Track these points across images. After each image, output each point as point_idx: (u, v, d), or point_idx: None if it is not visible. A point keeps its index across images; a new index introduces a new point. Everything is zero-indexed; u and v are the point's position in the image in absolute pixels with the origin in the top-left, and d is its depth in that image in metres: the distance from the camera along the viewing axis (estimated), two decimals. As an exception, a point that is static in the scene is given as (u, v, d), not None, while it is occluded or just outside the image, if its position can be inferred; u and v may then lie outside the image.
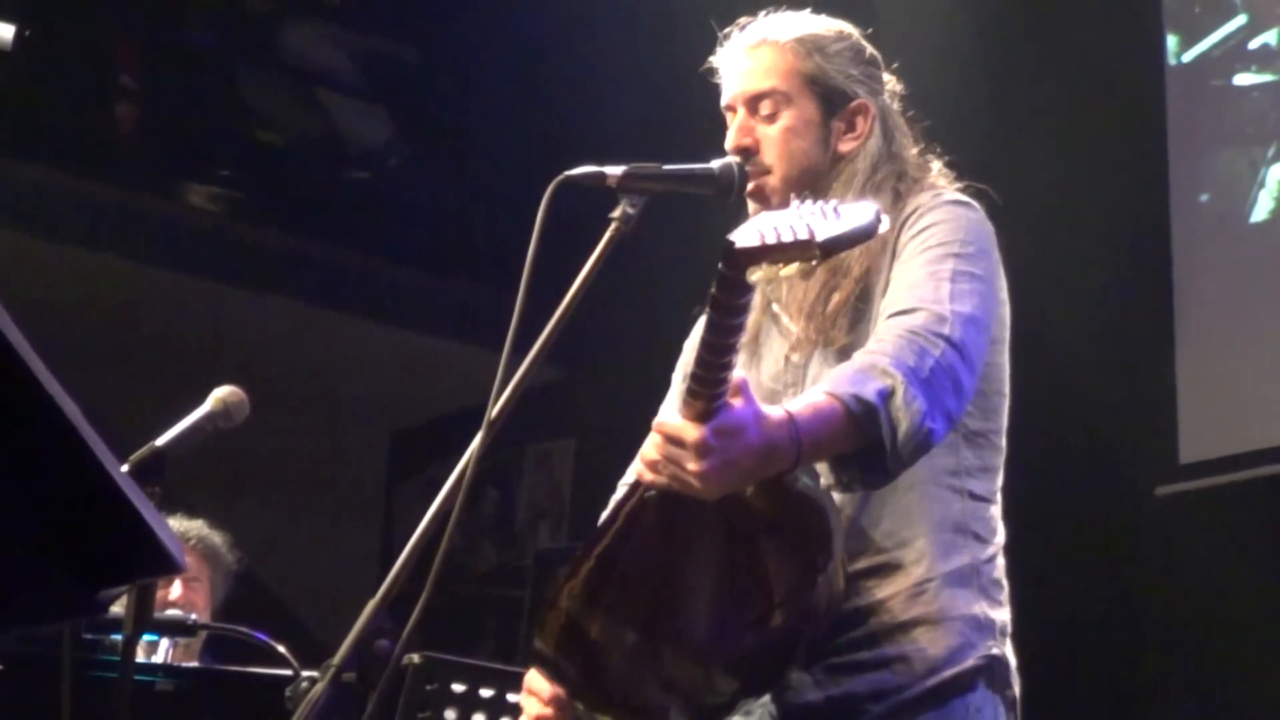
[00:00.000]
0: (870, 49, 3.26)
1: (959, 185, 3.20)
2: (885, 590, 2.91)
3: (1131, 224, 6.86)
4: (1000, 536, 3.07)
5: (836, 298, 3.00)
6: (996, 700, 2.93)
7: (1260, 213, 6.55)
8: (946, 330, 2.80)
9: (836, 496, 2.86)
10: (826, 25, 3.24)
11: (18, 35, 7.13)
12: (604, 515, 2.93)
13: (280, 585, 9.29)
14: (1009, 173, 6.74)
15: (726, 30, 3.27)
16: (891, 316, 2.86)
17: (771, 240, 2.37)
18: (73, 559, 1.85)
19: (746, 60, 3.20)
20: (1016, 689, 3.00)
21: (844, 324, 2.99)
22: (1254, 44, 6.68)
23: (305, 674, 2.71)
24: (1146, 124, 6.90)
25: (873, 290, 2.99)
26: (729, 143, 3.15)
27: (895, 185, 3.11)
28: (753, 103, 3.15)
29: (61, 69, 7.47)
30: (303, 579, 9.45)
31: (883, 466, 2.72)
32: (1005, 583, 3.04)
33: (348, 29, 8.10)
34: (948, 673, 2.88)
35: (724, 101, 3.22)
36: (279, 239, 8.26)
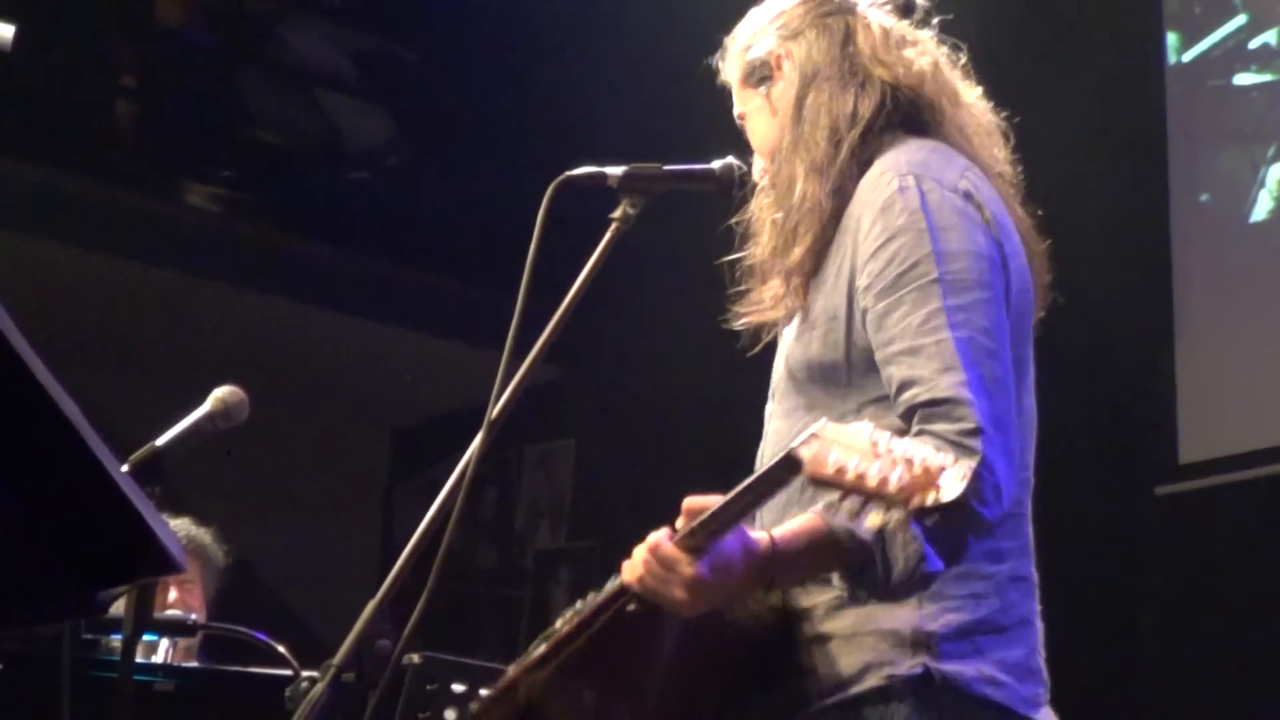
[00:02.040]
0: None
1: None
2: (812, 600, 2.81)
3: (1131, 224, 6.85)
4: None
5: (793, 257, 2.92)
6: None
7: (1260, 213, 6.55)
8: (970, 440, 2.62)
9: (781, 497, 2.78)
10: (758, 11, 3.18)
11: (17, 35, 7.12)
12: (585, 605, 2.86)
13: (280, 584, 9.28)
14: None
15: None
16: (902, 408, 2.71)
17: (844, 478, 2.34)
18: (73, 559, 1.85)
19: (724, 72, 3.21)
20: (1004, 698, 2.78)
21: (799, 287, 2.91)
22: (1254, 44, 6.68)
23: (305, 674, 2.71)
24: (1146, 124, 6.90)
25: (827, 264, 2.90)
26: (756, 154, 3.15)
27: (831, 146, 2.94)
28: (742, 118, 3.16)
29: (61, 68, 7.47)
30: (303, 578, 9.45)
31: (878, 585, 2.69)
32: (990, 570, 2.80)
33: (347, 28, 8.10)
34: (851, 691, 2.74)
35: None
36: (278, 238, 8.26)
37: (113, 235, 7.95)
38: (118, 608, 3.13)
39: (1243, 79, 6.73)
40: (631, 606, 2.71)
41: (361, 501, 10.22)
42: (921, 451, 2.32)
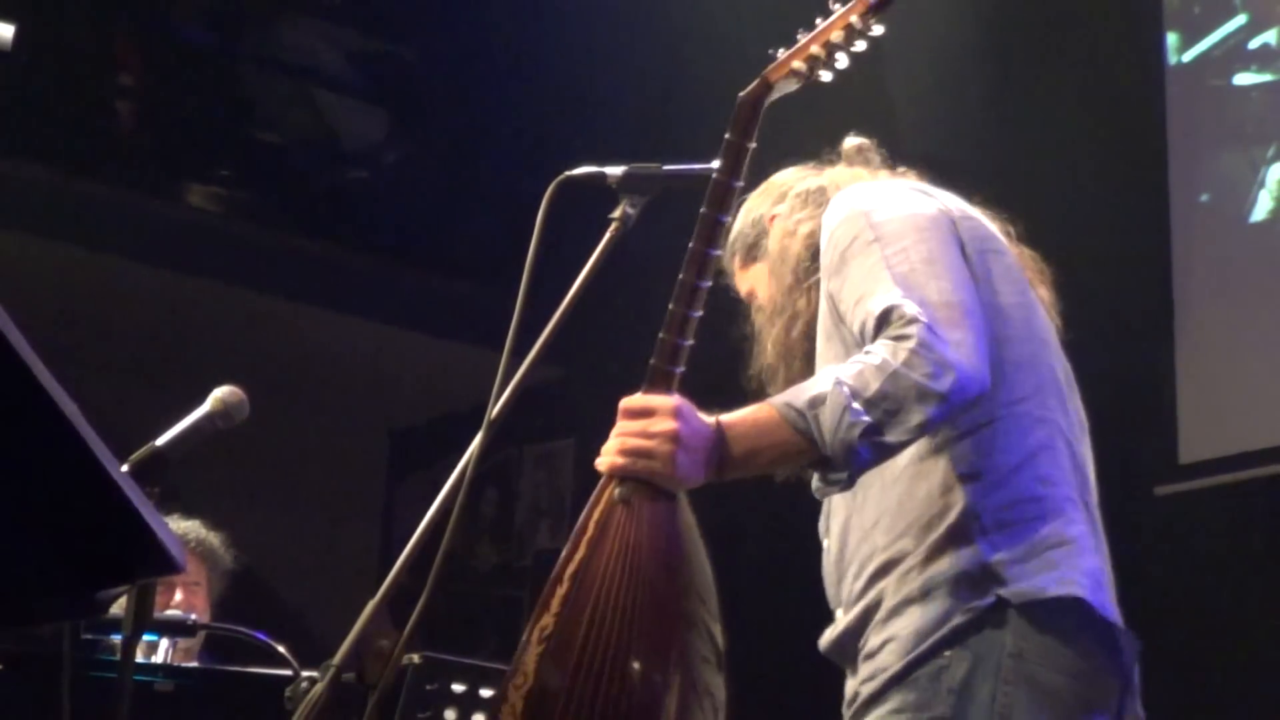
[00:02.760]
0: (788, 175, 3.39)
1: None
2: (882, 582, 2.93)
3: (1131, 224, 6.85)
4: (1017, 453, 2.94)
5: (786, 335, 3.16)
6: (981, 653, 2.82)
7: (1260, 213, 6.54)
8: (907, 329, 2.75)
9: (842, 502, 2.99)
10: (746, 209, 3.36)
11: (17, 34, 7.12)
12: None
13: (280, 584, 9.28)
14: (1008, 172, 6.75)
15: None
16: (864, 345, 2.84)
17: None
18: (72, 559, 1.85)
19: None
20: (1087, 596, 2.95)
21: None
22: (1254, 44, 6.68)
23: (305, 674, 2.71)
24: (1146, 124, 6.90)
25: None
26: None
27: (812, 238, 3.17)
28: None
29: (60, 67, 7.47)
30: (302, 578, 9.44)
31: (830, 465, 2.77)
32: (1043, 492, 2.95)
33: (345, 27, 8.09)
34: (924, 645, 2.85)
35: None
36: (278, 237, 8.25)
37: (112, 234, 7.95)
38: (118, 608, 3.12)
39: (1243, 79, 6.72)
40: (618, 492, 2.76)
41: (361, 501, 10.22)
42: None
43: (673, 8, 7.43)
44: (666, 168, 3.07)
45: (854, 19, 2.82)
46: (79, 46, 7.56)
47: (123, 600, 3.04)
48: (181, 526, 5.01)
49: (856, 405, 2.67)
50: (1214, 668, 6.32)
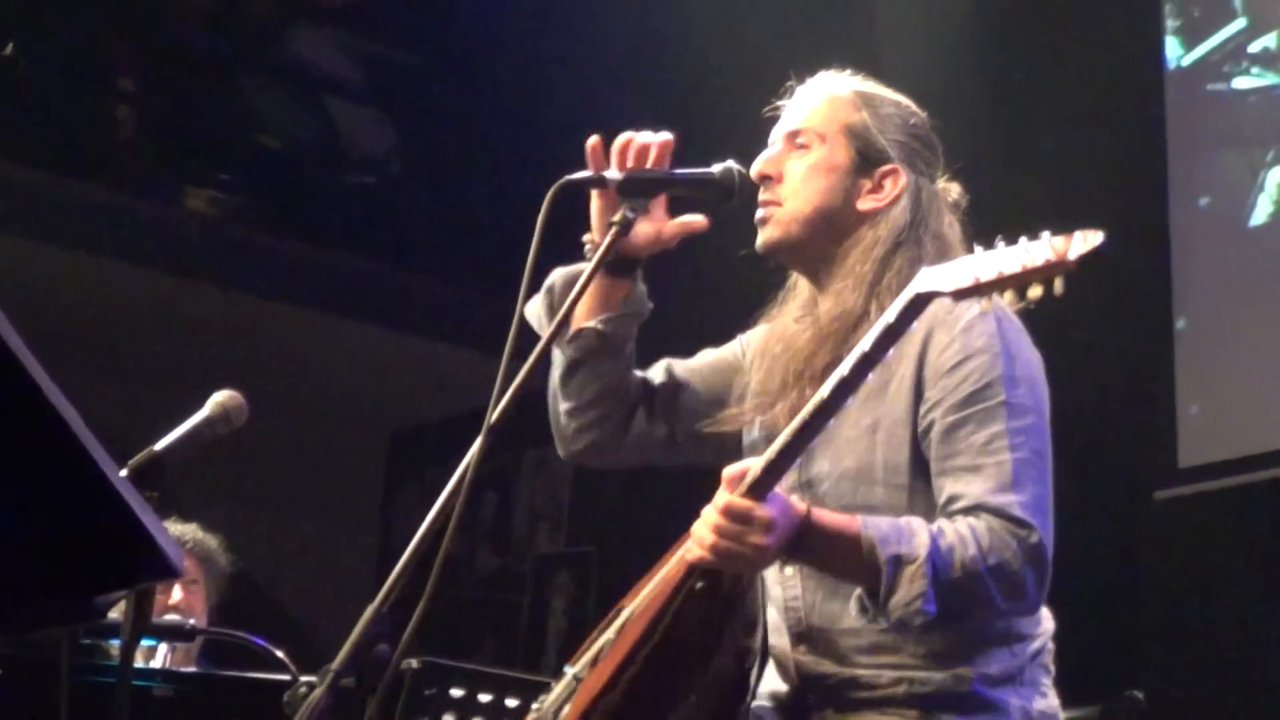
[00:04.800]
0: (928, 131, 3.24)
1: None
2: None
3: (1131, 227, 6.85)
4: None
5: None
6: None
7: (1260, 216, 6.55)
8: (1023, 537, 2.85)
9: None
10: (889, 93, 3.26)
11: (18, 39, 7.12)
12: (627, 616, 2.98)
13: (279, 589, 9.28)
14: (1008, 175, 6.75)
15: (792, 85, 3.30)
16: (962, 510, 2.88)
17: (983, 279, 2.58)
18: (71, 564, 1.84)
19: (799, 102, 3.23)
20: None
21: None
22: (1254, 47, 6.68)
23: (303, 678, 2.70)
24: (1146, 127, 6.90)
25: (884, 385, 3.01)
26: (754, 168, 3.15)
27: (909, 272, 2.94)
28: (791, 137, 3.18)
29: (61, 72, 7.47)
30: (301, 582, 9.45)
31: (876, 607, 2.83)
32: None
33: (350, 33, 8.09)
34: None
35: (770, 138, 3.24)
36: (278, 243, 8.26)
37: (112, 239, 7.95)
38: (116, 612, 3.12)
39: (1242, 82, 6.72)
40: (700, 584, 2.82)
41: (360, 505, 10.22)
42: (1040, 241, 2.59)
43: (677, 15, 7.43)
44: (666, 171, 3.07)
45: (1053, 274, 2.62)
46: (79, 51, 7.56)
47: (121, 605, 3.03)
48: (179, 529, 5.02)
49: (932, 590, 2.75)
50: (1216, 671, 6.32)
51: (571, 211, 2.98)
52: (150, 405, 4.70)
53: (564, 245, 3.04)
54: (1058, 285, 2.57)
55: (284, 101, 8.18)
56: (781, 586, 3.04)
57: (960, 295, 2.62)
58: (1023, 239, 2.58)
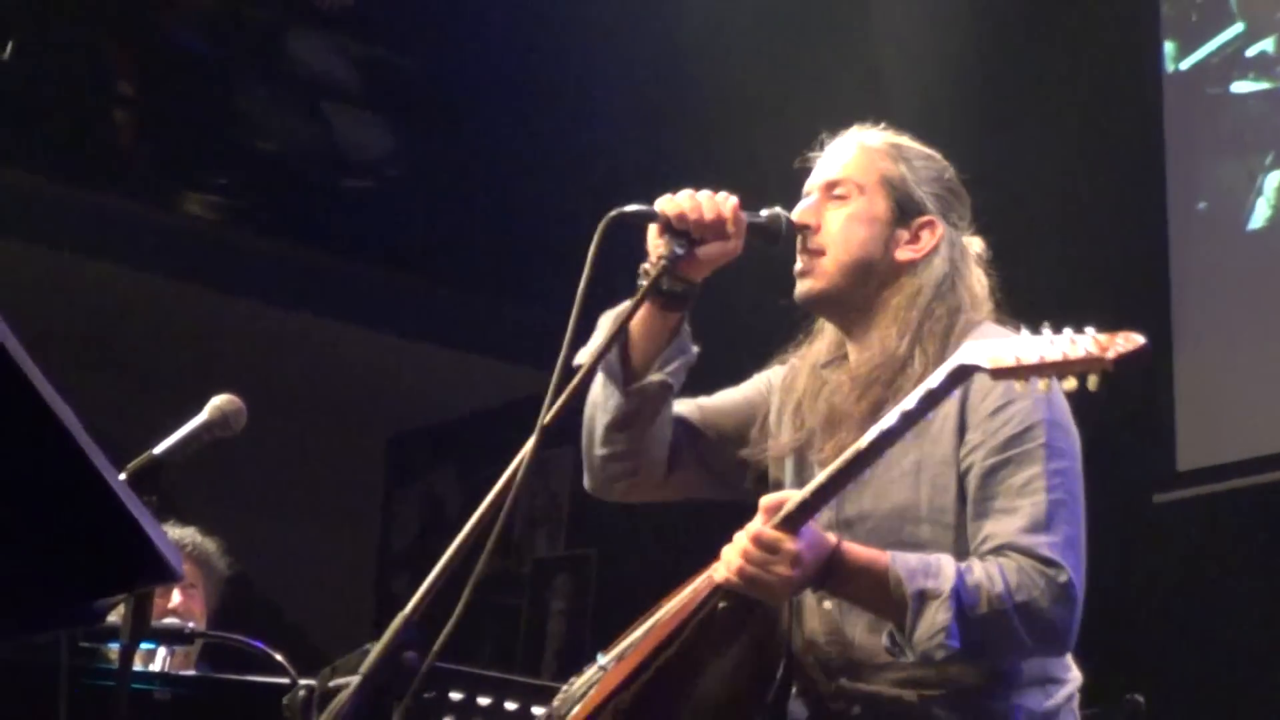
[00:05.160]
0: (958, 184, 3.31)
1: (1006, 313, 3.24)
2: None
3: (1129, 231, 6.86)
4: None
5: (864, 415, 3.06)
6: None
7: (1257, 220, 6.55)
8: (1051, 576, 2.91)
9: None
10: (920, 146, 3.32)
11: (15, 42, 7.12)
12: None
13: (278, 592, 9.28)
14: (1007, 179, 6.75)
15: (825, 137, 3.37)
16: (993, 550, 2.94)
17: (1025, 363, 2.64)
18: (70, 567, 1.84)
19: (835, 153, 3.29)
20: None
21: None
22: (1251, 51, 6.68)
23: (302, 681, 2.71)
24: (1144, 132, 6.90)
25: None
26: (794, 216, 3.21)
27: (949, 321, 3.12)
28: (829, 187, 3.24)
29: (59, 76, 7.47)
30: (300, 586, 9.44)
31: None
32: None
33: (345, 36, 8.09)
34: None
35: (805, 188, 3.30)
36: (276, 247, 8.25)
37: (111, 243, 7.95)
38: (115, 615, 3.12)
39: (1240, 87, 6.73)
40: (723, 604, 2.89)
41: (359, 508, 10.21)
42: (1084, 335, 2.68)
43: (672, 23, 7.42)
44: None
45: (1090, 369, 2.75)
46: (77, 55, 7.57)
47: (120, 608, 3.04)
48: (178, 533, 5.01)
49: (955, 626, 2.82)
50: (1214, 674, 6.32)
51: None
52: (149, 409, 4.70)
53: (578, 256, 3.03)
54: (1092, 381, 2.67)
55: (282, 106, 8.18)
56: (820, 619, 3.09)
57: (999, 375, 2.71)
58: (1067, 330, 2.66)
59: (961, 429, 3.03)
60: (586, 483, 3.39)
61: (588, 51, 7.62)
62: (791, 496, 2.83)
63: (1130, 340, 2.70)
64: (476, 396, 8.85)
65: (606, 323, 3.17)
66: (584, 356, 3.08)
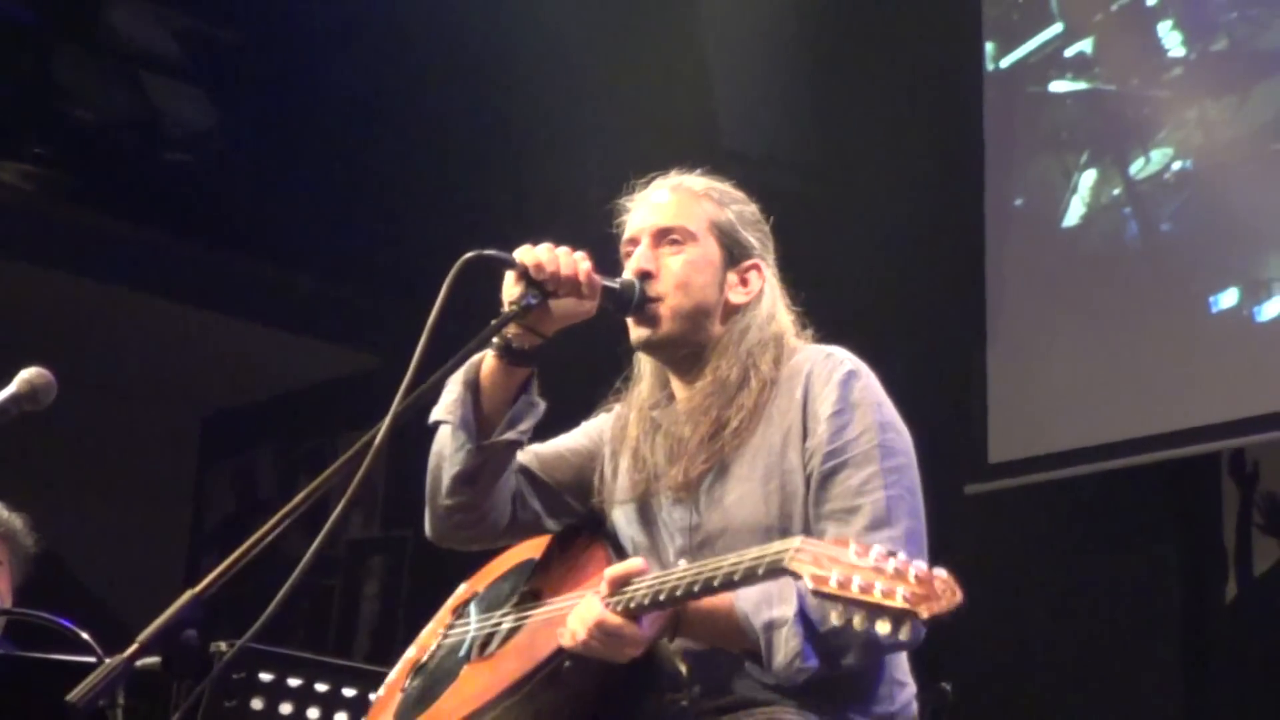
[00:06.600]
0: (764, 222, 3.39)
1: (816, 336, 3.34)
2: None
3: (946, 226, 6.94)
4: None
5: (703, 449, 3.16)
6: None
7: (1072, 218, 6.65)
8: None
9: None
10: (730, 188, 3.39)
11: None
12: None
13: (87, 571, 9.14)
14: (827, 172, 6.81)
15: (637, 181, 3.41)
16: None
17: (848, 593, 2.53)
18: None
19: (661, 198, 3.34)
20: None
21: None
22: (1069, 52, 6.79)
23: (108, 661, 2.66)
24: (964, 128, 6.99)
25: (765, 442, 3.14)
26: (630, 267, 3.27)
27: (776, 350, 3.22)
28: (659, 235, 3.29)
29: None
30: (111, 564, 9.31)
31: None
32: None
33: (169, 8, 7.98)
34: None
35: (628, 235, 3.34)
36: (91, 219, 8.12)
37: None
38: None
39: (1058, 86, 6.83)
40: (568, 664, 2.94)
41: (170, 488, 10.09)
42: (916, 565, 2.61)
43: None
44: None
45: (903, 619, 2.65)
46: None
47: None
48: (-19, 507, 4.91)
49: (808, 647, 2.88)
50: (1020, 662, 6.42)
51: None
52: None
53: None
54: (904, 632, 2.57)
55: (101, 76, 8.04)
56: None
57: (817, 594, 2.54)
58: (894, 559, 2.58)
59: (805, 433, 3.12)
60: (429, 531, 3.49)
61: (413, 27, 7.56)
62: (636, 585, 2.85)
63: (950, 599, 2.66)
64: (292, 375, 8.79)
65: (456, 384, 3.27)
66: (440, 413, 3.27)
